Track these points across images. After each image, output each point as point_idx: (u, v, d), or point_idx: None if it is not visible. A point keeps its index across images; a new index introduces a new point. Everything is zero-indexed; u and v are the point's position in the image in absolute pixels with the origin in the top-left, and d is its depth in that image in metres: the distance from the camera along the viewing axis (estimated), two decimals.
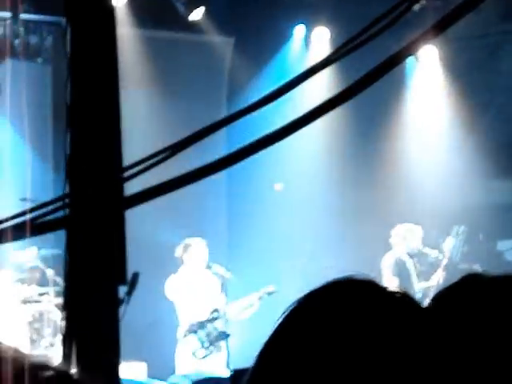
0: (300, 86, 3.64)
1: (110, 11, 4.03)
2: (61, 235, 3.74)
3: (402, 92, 12.33)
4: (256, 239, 11.64)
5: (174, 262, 9.35)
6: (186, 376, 8.19)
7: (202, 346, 8.71)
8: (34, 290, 9.58)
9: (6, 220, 3.52)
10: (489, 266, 10.15)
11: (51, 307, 9.49)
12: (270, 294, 9.09)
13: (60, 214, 3.67)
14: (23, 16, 8.06)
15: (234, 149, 3.53)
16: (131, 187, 3.69)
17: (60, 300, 8.48)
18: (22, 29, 10.23)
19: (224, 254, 10.88)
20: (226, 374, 7.87)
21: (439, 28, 3.59)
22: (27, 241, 8.40)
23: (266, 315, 9.61)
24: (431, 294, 1.29)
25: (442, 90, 12.29)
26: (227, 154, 3.62)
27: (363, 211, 11.79)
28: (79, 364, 3.78)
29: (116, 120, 3.83)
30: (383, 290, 1.12)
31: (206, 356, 8.71)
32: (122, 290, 3.89)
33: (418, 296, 9.22)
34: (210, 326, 8.76)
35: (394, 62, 3.64)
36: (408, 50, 3.71)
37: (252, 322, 9.54)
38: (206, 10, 11.21)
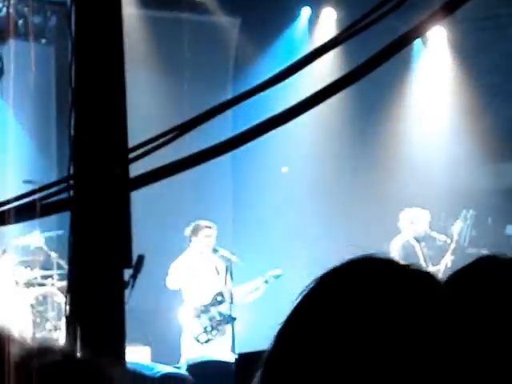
0: (305, 68, 3.60)
1: None
2: (65, 217, 3.72)
3: (407, 74, 12.26)
4: (261, 223, 11.63)
5: (178, 247, 9.33)
6: (188, 361, 8.18)
7: (205, 331, 8.68)
8: (37, 273, 9.58)
9: (10, 201, 3.49)
10: (497, 250, 10.12)
11: (55, 290, 9.49)
12: (276, 277, 9.06)
13: (65, 195, 3.64)
14: None
15: (239, 131, 3.50)
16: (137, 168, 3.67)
17: (64, 283, 8.48)
18: (25, 8, 10.16)
19: (229, 238, 10.86)
20: (230, 358, 7.84)
21: (448, 9, 3.54)
22: (31, 223, 8.38)
23: (270, 299, 9.61)
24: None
25: (449, 72, 12.22)
26: (232, 136, 3.59)
27: (369, 195, 11.75)
28: (84, 347, 3.77)
29: (121, 101, 3.79)
30: (404, 267, 1.10)
31: (208, 340, 8.68)
32: (127, 273, 3.88)
33: None
34: (213, 310, 8.73)
35: (402, 44, 3.60)
36: (416, 32, 3.66)
37: (257, 306, 9.53)
38: None
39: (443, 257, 9.94)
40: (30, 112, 10.40)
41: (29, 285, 9.50)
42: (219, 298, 8.77)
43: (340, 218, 11.84)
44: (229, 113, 3.86)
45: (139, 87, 10.33)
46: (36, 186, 3.74)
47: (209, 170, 10.15)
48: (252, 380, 1.11)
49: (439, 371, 1.01)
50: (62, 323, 8.58)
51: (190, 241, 8.95)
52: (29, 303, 9.31)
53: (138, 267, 4.09)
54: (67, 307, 3.91)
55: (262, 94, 3.56)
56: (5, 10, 9.98)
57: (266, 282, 8.98)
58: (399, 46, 3.50)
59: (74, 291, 3.86)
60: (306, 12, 12.24)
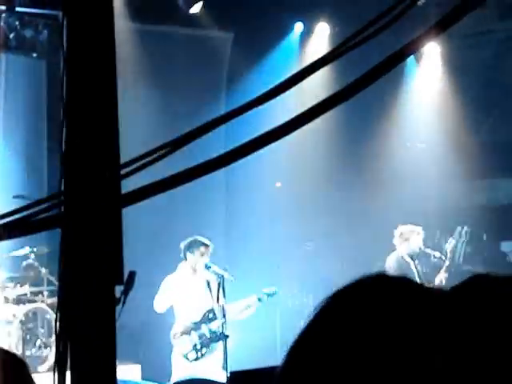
0: (299, 83, 3.57)
1: (108, 5, 3.95)
2: (56, 233, 3.68)
3: (399, 90, 12.28)
4: (254, 240, 11.59)
5: (170, 262, 9.27)
6: (177, 380, 8.10)
7: (194, 348, 8.58)
8: (28, 289, 9.50)
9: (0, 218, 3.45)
10: (492, 267, 10.09)
11: (45, 307, 9.41)
12: (270, 295, 8.95)
13: (55, 211, 3.60)
14: (18, 9, 7.96)
15: (232, 147, 3.47)
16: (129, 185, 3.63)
17: (54, 300, 8.41)
18: (17, 22, 10.12)
19: (221, 255, 10.82)
20: (222, 376, 7.77)
21: (442, 26, 3.52)
22: (22, 239, 8.33)
23: (263, 316, 9.57)
24: None
25: (442, 87, 12.23)
26: (225, 151, 3.55)
27: (364, 211, 11.74)
28: (74, 365, 3.71)
29: (113, 116, 3.76)
30: (419, 286, 1.10)
31: (197, 358, 8.59)
32: (119, 290, 3.83)
33: None
34: (204, 328, 8.65)
35: (396, 60, 3.57)
36: (410, 48, 3.64)
37: (249, 323, 9.47)
38: (204, 4, 11.14)
39: (438, 274, 9.92)
40: (20, 126, 10.35)
41: (19, 301, 9.41)
42: (210, 315, 8.69)
43: (334, 234, 11.82)
44: (221, 128, 3.83)
45: (132, 101, 10.29)
46: (26, 202, 3.70)
47: (201, 185, 10.15)
48: None
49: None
50: (52, 340, 8.50)
51: (185, 255, 8.85)
52: (18, 320, 9.22)
53: (129, 284, 4.04)
54: (57, 324, 3.86)
55: (255, 109, 3.53)
56: None
57: (260, 299, 8.89)
58: (393, 63, 3.47)
59: (64, 308, 3.80)
60: (299, 27, 12.25)
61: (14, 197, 8.70)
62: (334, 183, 12.00)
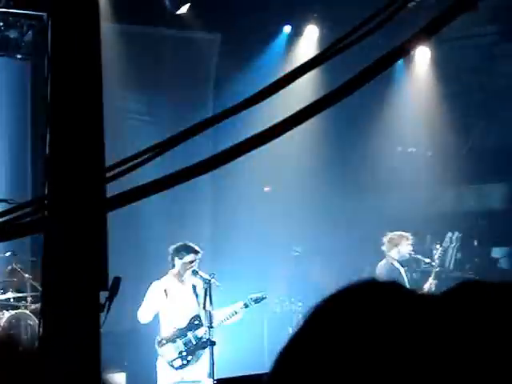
0: (288, 86, 3.53)
1: (93, 6, 3.90)
2: (40, 238, 3.62)
3: (390, 94, 12.26)
4: (241, 245, 11.52)
5: (156, 268, 9.17)
6: None
7: (180, 356, 8.48)
8: (11, 295, 9.40)
9: None
10: (483, 273, 10.09)
11: (29, 313, 9.31)
12: (257, 301, 8.84)
13: (38, 216, 3.54)
14: (2, 9, 7.90)
15: (219, 150, 3.42)
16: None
17: (38, 306, 8.33)
18: (1, 23, 10.02)
19: (208, 261, 10.76)
20: None
21: (432, 29, 3.48)
22: (5, 243, 8.24)
23: (250, 323, 9.50)
24: None
25: (433, 91, 12.22)
26: (213, 155, 3.50)
27: (353, 217, 11.71)
28: (58, 372, 3.65)
29: (98, 118, 3.70)
30: (409, 292, 1.09)
31: (183, 366, 8.48)
32: (103, 296, 3.77)
33: None
34: (190, 334, 8.55)
35: (385, 63, 3.53)
36: (400, 51, 3.60)
37: (236, 330, 9.40)
38: (192, 5, 11.09)
39: (427, 280, 9.92)
40: (4, 128, 10.26)
41: (1, 307, 9.31)
42: (196, 322, 8.59)
43: (323, 239, 11.78)
44: (209, 130, 3.78)
45: (117, 103, 10.23)
46: (9, 206, 3.63)
47: (188, 191, 10.11)
48: None
49: None
50: (35, 347, 8.40)
51: (173, 260, 8.70)
52: (1, 326, 9.13)
53: (114, 289, 3.98)
54: (40, 330, 3.80)
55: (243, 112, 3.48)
56: None
57: (246, 305, 8.78)
58: (383, 66, 3.43)
59: (47, 314, 3.74)
60: (287, 29, 12.22)
61: None
62: (323, 188, 11.96)
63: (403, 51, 3.67)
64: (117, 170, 3.52)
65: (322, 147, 12.18)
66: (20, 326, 9.24)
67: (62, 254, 3.60)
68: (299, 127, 3.39)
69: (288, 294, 11.25)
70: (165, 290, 8.58)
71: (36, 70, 10.06)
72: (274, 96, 3.53)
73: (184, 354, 8.51)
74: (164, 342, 8.57)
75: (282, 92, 3.53)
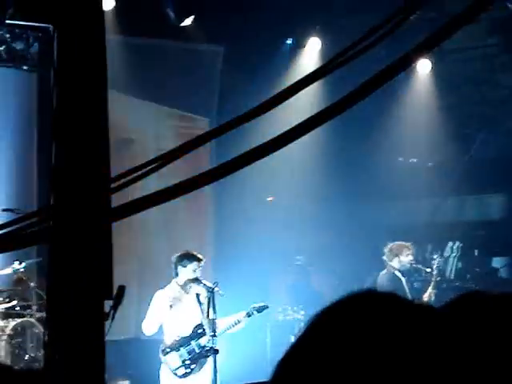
0: (289, 98, 3.57)
1: (99, 18, 3.94)
2: (45, 247, 3.66)
3: (392, 104, 12.29)
4: (244, 254, 11.55)
5: (159, 276, 9.19)
6: None
7: (183, 364, 8.50)
8: (16, 303, 9.43)
9: None
10: (484, 282, 10.08)
11: (34, 321, 9.34)
12: (259, 310, 8.86)
13: (44, 225, 3.58)
14: (9, 21, 7.95)
15: (222, 161, 3.46)
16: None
17: (43, 314, 8.35)
18: (7, 35, 10.09)
19: (211, 270, 10.78)
20: None
21: (434, 41, 3.52)
22: (11, 252, 8.27)
23: (253, 332, 9.51)
24: None
25: (434, 103, 12.25)
26: (216, 166, 3.54)
27: (354, 227, 11.73)
28: (63, 380, 3.69)
29: (103, 129, 3.75)
30: (408, 303, 1.10)
31: (186, 374, 8.49)
32: (108, 304, 3.80)
33: None
34: (193, 343, 8.57)
35: (388, 75, 3.57)
36: (402, 63, 3.64)
37: (239, 339, 9.41)
38: (196, 17, 11.14)
39: (426, 290, 9.93)
40: (10, 139, 10.31)
41: (7, 315, 9.34)
42: (199, 331, 8.61)
43: (325, 249, 11.80)
44: (212, 142, 3.82)
45: (122, 114, 10.27)
46: (16, 215, 3.67)
47: (191, 200, 10.13)
48: None
49: None
50: (41, 355, 8.43)
51: (176, 269, 8.71)
52: (7, 334, 9.16)
53: (118, 298, 4.01)
54: (46, 338, 3.83)
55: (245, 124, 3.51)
56: None
57: (249, 315, 8.80)
58: (386, 77, 3.47)
59: (52, 322, 3.78)
60: (290, 41, 12.27)
61: (4, 210, 8.66)
62: (326, 198, 12.00)
63: (405, 63, 3.71)
64: (122, 181, 3.56)
65: (324, 158, 12.21)
66: (26, 334, 9.27)
67: (68, 264, 3.63)
68: (302, 138, 3.43)
69: (290, 302, 11.27)
70: (169, 299, 8.61)
71: (42, 81, 10.11)
72: (277, 108, 3.56)
73: (187, 362, 8.53)
74: (168, 350, 8.58)
75: (284, 104, 3.57)
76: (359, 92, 3.39)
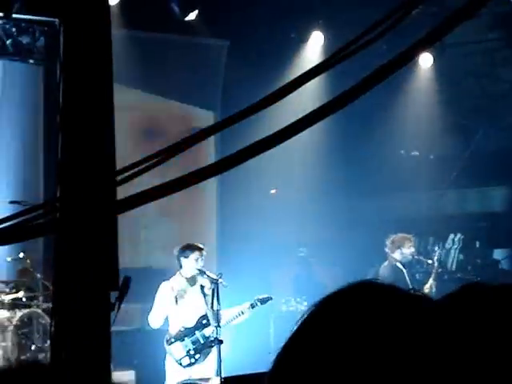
0: (292, 92, 3.59)
1: (104, 12, 3.98)
2: (51, 238, 3.69)
3: (394, 99, 12.30)
4: (247, 246, 11.59)
5: (165, 267, 9.26)
6: None
7: (188, 354, 8.57)
8: (23, 294, 9.49)
9: None
10: (485, 274, 10.10)
11: (40, 312, 9.40)
12: (263, 302, 8.93)
13: (50, 217, 3.62)
14: (15, 15, 7.98)
15: (226, 154, 3.49)
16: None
17: (49, 304, 8.40)
18: (14, 28, 10.12)
19: (215, 262, 10.82)
20: (215, 382, 7.77)
21: (436, 35, 3.56)
22: (18, 243, 8.31)
23: (257, 322, 9.55)
24: None
25: (436, 97, 12.27)
26: (220, 158, 3.57)
27: (357, 219, 11.74)
28: (69, 370, 3.73)
29: (109, 122, 3.78)
30: (407, 294, 1.11)
31: (191, 364, 8.57)
32: (113, 295, 3.84)
33: None
34: (197, 334, 8.64)
35: (390, 69, 3.60)
36: (404, 58, 3.67)
37: (243, 329, 9.46)
38: (200, 11, 11.16)
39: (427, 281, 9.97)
40: (17, 132, 10.35)
41: (14, 306, 9.40)
42: (204, 321, 8.67)
43: (328, 240, 11.83)
44: (216, 135, 3.86)
45: (127, 108, 10.30)
46: (23, 207, 3.72)
47: (194, 192, 10.18)
48: None
49: None
50: (47, 345, 8.49)
51: (179, 261, 8.80)
52: (13, 325, 9.22)
53: (124, 289, 4.05)
54: (52, 329, 3.88)
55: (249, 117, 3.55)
56: None
57: (253, 306, 8.86)
58: (388, 71, 3.50)
59: (58, 313, 3.82)
60: (294, 35, 12.29)
61: (11, 202, 8.71)
62: (328, 190, 12.02)
63: (407, 58, 3.74)
64: (127, 174, 3.60)
65: (326, 151, 12.23)
66: (32, 324, 9.32)
67: (73, 255, 3.68)
68: (303, 132, 3.47)
69: (294, 293, 11.31)
70: (175, 295, 8.67)
71: (48, 74, 10.14)
72: (279, 102, 3.60)
73: (192, 352, 8.60)
74: (172, 340, 8.65)
75: (287, 98, 3.60)
76: (361, 86, 3.42)
